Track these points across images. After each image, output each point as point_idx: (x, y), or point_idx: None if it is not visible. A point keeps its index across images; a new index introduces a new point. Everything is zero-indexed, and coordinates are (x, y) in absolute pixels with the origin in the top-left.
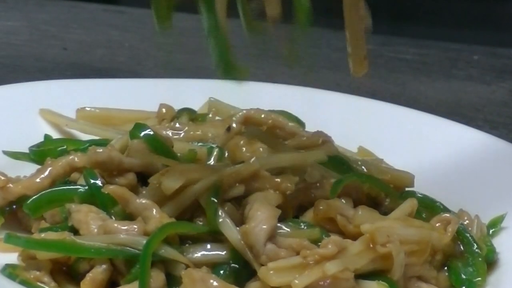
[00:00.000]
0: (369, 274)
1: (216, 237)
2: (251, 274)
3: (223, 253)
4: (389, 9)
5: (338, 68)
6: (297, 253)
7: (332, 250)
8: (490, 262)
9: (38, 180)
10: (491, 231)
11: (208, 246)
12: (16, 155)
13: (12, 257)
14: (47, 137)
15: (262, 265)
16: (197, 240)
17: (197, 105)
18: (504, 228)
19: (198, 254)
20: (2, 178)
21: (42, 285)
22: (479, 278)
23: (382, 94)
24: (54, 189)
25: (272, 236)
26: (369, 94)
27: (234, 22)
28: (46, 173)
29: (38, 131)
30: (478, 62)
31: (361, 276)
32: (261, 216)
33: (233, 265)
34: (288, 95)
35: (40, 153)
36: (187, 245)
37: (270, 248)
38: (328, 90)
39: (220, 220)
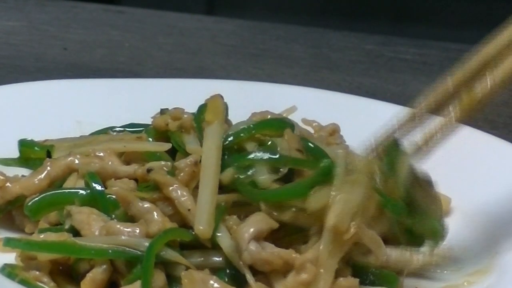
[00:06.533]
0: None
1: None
2: None
3: (220, 258)
4: (389, 9)
5: (338, 68)
6: (284, 262)
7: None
8: None
9: (36, 181)
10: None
11: (207, 251)
12: (6, 162)
13: (10, 257)
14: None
15: (248, 266)
16: (195, 246)
17: (197, 105)
18: (504, 229)
19: (197, 259)
20: (1, 177)
21: (41, 285)
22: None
23: (382, 94)
24: (55, 191)
25: (259, 238)
26: (369, 94)
27: (235, 22)
28: (44, 174)
29: (38, 131)
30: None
31: (366, 284)
32: (252, 219)
33: (233, 269)
34: (288, 95)
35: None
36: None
37: (253, 247)
38: (328, 90)
39: (219, 234)
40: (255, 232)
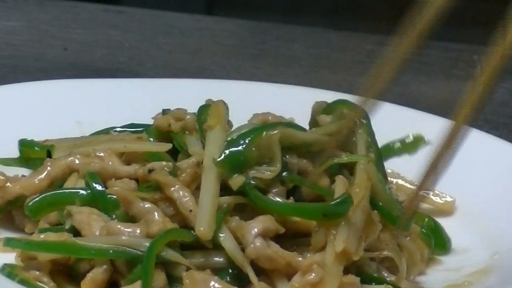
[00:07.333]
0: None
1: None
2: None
3: (222, 259)
4: (389, 9)
5: (338, 68)
6: (287, 263)
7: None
8: None
9: (36, 181)
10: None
11: (209, 251)
12: (6, 162)
13: (10, 257)
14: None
15: (252, 261)
16: (197, 247)
17: (197, 105)
18: (504, 229)
19: (199, 259)
20: (1, 177)
21: (41, 285)
22: None
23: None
24: (55, 191)
25: (265, 236)
26: None
27: (235, 22)
28: (45, 174)
29: (38, 131)
30: (478, 62)
31: (366, 282)
32: (259, 218)
33: (235, 270)
34: (288, 95)
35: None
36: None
37: (259, 242)
38: (328, 90)
39: (222, 235)
40: (262, 229)
